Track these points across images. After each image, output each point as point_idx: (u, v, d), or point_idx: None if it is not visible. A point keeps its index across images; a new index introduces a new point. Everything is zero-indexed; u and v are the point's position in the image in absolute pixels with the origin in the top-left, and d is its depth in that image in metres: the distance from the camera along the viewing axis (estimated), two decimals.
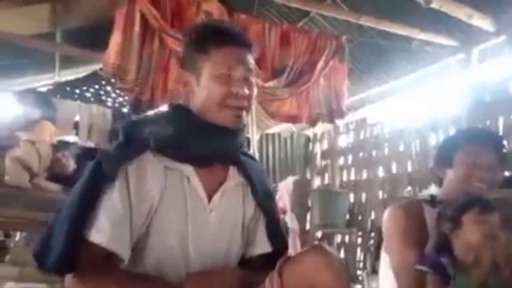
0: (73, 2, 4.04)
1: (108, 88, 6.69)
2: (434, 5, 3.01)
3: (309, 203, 4.23)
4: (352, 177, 4.80)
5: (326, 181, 5.16)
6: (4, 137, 2.91)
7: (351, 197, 4.51)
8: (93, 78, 5.87)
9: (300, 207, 4.15)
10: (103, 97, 6.80)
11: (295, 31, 3.83)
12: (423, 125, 4.00)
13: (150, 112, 3.76)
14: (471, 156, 1.47)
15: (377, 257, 1.65)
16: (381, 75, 4.68)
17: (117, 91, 6.45)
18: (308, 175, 5.39)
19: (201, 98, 1.15)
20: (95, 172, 1.08)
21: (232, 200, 1.22)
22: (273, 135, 5.69)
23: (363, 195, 4.50)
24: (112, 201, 1.05)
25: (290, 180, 4.34)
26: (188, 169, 1.14)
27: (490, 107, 3.32)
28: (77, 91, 6.48)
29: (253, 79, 1.20)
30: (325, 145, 5.37)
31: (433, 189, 1.58)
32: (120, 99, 6.80)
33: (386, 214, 1.52)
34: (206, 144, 1.15)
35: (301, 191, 4.20)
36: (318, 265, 1.01)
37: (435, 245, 1.37)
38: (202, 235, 1.13)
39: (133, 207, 1.06)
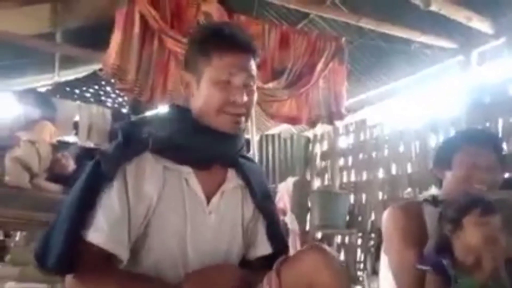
0: (73, 2, 4.04)
1: (108, 88, 6.69)
2: (433, 7, 3.01)
3: (309, 204, 4.23)
4: (352, 178, 4.80)
5: (326, 182, 5.16)
6: (4, 137, 2.92)
7: (351, 198, 4.51)
8: (93, 78, 5.87)
9: (300, 208, 4.15)
10: (103, 98, 6.80)
11: (295, 33, 3.83)
12: (422, 126, 4.01)
13: (150, 113, 3.78)
14: (471, 158, 1.47)
15: (377, 258, 1.65)
16: (381, 77, 4.69)
17: (117, 92, 6.45)
18: (308, 176, 5.39)
19: (200, 102, 1.14)
20: (94, 172, 1.08)
21: (231, 202, 1.21)
22: (273, 136, 5.69)
23: (363, 196, 4.50)
24: (110, 201, 1.05)
25: (290, 181, 4.34)
26: (187, 171, 1.14)
27: (489, 109, 3.33)
28: (77, 91, 6.48)
29: (254, 86, 1.18)
30: (325, 146, 5.37)
31: (433, 191, 1.58)
32: (120, 99, 6.81)
33: (386, 215, 1.52)
34: (205, 146, 1.15)
35: (301, 192, 4.21)
36: (317, 264, 1.01)
37: (436, 246, 1.37)
38: (201, 236, 1.13)
39: (131, 207, 1.06)
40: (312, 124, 3.96)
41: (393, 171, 4.25)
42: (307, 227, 4.20)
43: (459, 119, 3.54)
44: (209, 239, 1.14)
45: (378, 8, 3.74)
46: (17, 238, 3.81)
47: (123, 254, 1.05)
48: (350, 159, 4.90)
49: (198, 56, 1.15)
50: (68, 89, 6.29)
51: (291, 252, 1.27)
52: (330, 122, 3.95)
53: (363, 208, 4.42)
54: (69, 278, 1.04)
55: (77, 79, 5.98)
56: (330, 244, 4.44)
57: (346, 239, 4.58)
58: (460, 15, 3.18)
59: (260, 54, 1.22)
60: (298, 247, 3.77)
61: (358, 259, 4.38)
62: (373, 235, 4.11)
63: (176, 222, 1.11)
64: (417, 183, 3.90)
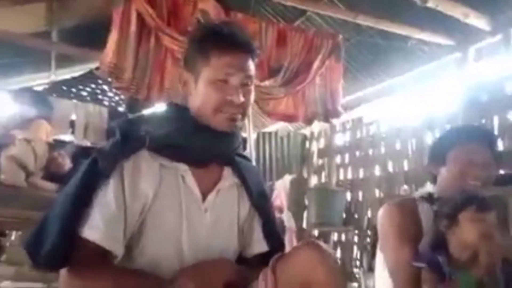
0: (69, 1, 4.03)
1: (105, 87, 6.67)
2: (430, 4, 3.01)
3: (306, 202, 4.24)
4: (349, 175, 4.80)
5: (323, 179, 5.16)
6: (0, 136, 2.90)
7: (348, 195, 4.51)
8: (89, 77, 5.85)
9: (297, 206, 4.16)
10: (100, 96, 6.78)
11: (292, 30, 3.83)
12: (419, 123, 4.01)
13: (147, 111, 3.77)
14: (465, 154, 1.47)
15: (373, 255, 1.65)
16: (378, 74, 4.69)
17: (114, 90, 6.43)
18: (305, 174, 5.39)
19: (197, 100, 1.15)
20: (91, 169, 1.09)
21: (227, 200, 1.22)
22: (270, 134, 5.69)
23: (360, 194, 4.50)
24: (106, 198, 1.06)
25: (287, 178, 4.34)
26: (183, 168, 1.15)
27: (486, 106, 3.33)
28: (73, 90, 6.46)
29: (252, 86, 1.19)
30: (321, 144, 5.37)
31: (428, 187, 1.58)
32: (117, 98, 6.78)
33: (381, 212, 1.52)
34: (201, 144, 1.15)
35: (298, 189, 4.21)
36: (312, 260, 1.02)
37: (431, 243, 1.38)
38: (196, 233, 1.14)
39: (127, 204, 1.07)
40: (309, 121, 3.97)
41: (390, 168, 4.25)
42: (304, 225, 4.20)
43: (456, 116, 3.54)
44: (205, 236, 1.15)
45: (375, 5, 3.74)
46: (12, 238, 3.80)
47: (118, 250, 1.06)
48: (346, 157, 4.90)
49: (196, 56, 1.15)
50: (64, 87, 6.27)
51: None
52: (326, 120, 3.96)
53: (359, 206, 4.43)
54: (63, 273, 1.04)
55: (73, 78, 5.96)
56: (326, 241, 4.44)
57: (343, 237, 4.58)
58: (457, 12, 3.18)
59: (258, 54, 1.22)
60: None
61: (354, 256, 4.38)
62: (369, 232, 4.11)
63: (172, 219, 1.12)
64: (413, 180, 3.90)
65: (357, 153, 4.72)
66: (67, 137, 3.87)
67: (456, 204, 1.33)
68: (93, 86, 6.67)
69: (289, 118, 3.94)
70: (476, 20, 3.28)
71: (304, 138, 5.63)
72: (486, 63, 3.67)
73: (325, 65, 3.81)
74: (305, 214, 4.22)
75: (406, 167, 4.08)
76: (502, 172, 2.48)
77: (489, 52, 3.59)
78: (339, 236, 4.64)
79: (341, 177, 4.89)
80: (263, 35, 3.65)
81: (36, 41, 4.13)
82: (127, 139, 1.12)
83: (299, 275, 1.02)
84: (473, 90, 3.46)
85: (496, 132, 3.11)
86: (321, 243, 1.08)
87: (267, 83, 3.59)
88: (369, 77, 4.79)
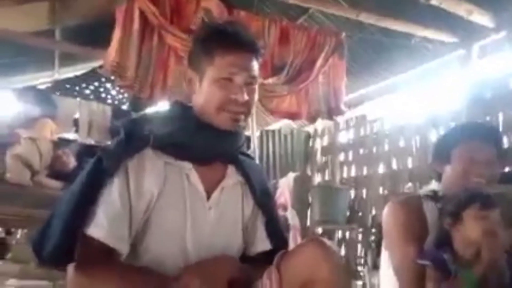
0: (72, 0, 4.04)
1: (108, 85, 6.69)
2: (433, 1, 3.00)
3: (310, 199, 4.24)
4: (353, 173, 4.80)
5: (327, 177, 5.16)
6: (5, 135, 2.91)
7: (352, 193, 4.51)
8: (92, 75, 5.87)
9: (301, 204, 4.15)
10: (103, 94, 6.80)
11: (295, 28, 3.82)
12: (423, 121, 4.00)
13: (151, 110, 3.78)
14: (469, 152, 1.47)
15: (378, 253, 1.65)
16: (381, 72, 4.68)
17: (117, 89, 6.45)
18: (309, 171, 5.39)
19: (201, 99, 1.16)
20: (96, 168, 1.10)
21: (231, 198, 1.23)
22: (273, 131, 5.68)
23: (364, 191, 4.50)
24: (111, 197, 1.07)
25: (290, 176, 4.34)
26: (187, 166, 1.15)
27: (490, 103, 3.32)
28: (77, 88, 6.48)
29: (256, 86, 1.19)
30: (325, 141, 5.37)
31: (433, 185, 1.58)
32: (120, 96, 6.80)
33: (386, 210, 1.52)
34: (206, 143, 1.16)
35: (302, 187, 4.20)
36: (316, 257, 1.02)
37: (436, 240, 1.37)
38: (201, 231, 1.14)
39: (132, 202, 1.08)
40: (312, 119, 3.96)
41: (394, 166, 4.25)
42: (308, 223, 4.20)
43: (460, 113, 3.53)
44: (209, 234, 1.16)
45: (378, 3, 3.72)
46: (18, 236, 3.82)
47: (123, 248, 1.07)
48: (350, 154, 4.90)
49: (201, 55, 1.16)
50: (68, 86, 6.29)
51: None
52: (330, 117, 3.95)
53: (363, 203, 4.42)
54: (70, 271, 1.06)
55: (77, 76, 5.98)
56: (330, 239, 4.44)
57: (347, 235, 4.58)
58: (460, 9, 3.16)
59: (263, 53, 1.23)
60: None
61: (358, 254, 4.38)
62: (373, 230, 4.11)
63: (176, 217, 1.12)
64: (417, 177, 3.90)
65: (361, 150, 4.72)
66: (71, 135, 3.88)
67: (460, 202, 1.33)
68: (96, 84, 6.69)
69: (292, 115, 3.94)
70: (480, 17, 3.26)
71: (308, 135, 5.63)
72: (490, 60, 3.66)
73: (328, 63, 3.80)
74: (309, 212, 4.22)
75: (410, 165, 4.07)
76: (507, 169, 2.48)
77: (493, 49, 3.58)
78: (343, 234, 4.64)
79: (345, 174, 4.89)
80: (266, 33, 3.64)
81: (40, 40, 4.13)
82: (131, 138, 1.13)
83: (303, 272, 1.03)
84: (477, 87, 3.45)
85: (501, 129, 3.10)
86: (326, 240, 1.09)
87: (270, 81, 3.59)
88: (372, 75, 4.78)
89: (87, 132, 3.97)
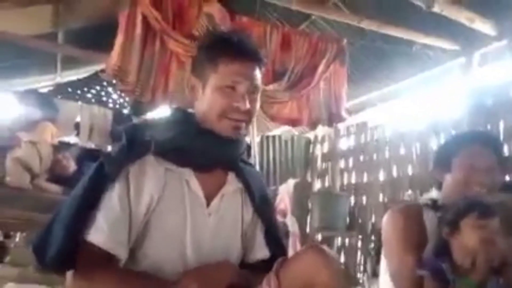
0: (75, 3, 4.04)
1: (110, 89, 6.70)
2: (435, 9, 3.00)
3: (310, 206, 4.23)
4: (353, 180, 4.79)
5: (327, 183, 5.15)
6: (5, 138, 2.92)
7: (352, 200, 4.50)
8: (94, 79, 5.87)
9: (301, 210, 4.14)
10: (104, 98, 6.80)
11: (296, 34, 3.82)
12: (424, 128, 4.00)
13: (153, 116, 3.78)
14: (470, 160, 1.46)
15: (377, 260, 1.65)
16: (382, 79, 4.68)
17: (118, 93, 6.46)
18: (309, 178, 5.38)
19: (204, 106, 1.17)
20: (97, 173, 1.11)
21: (231, 205, 1.23)
22: (274, 137, 5.68)
23: (364, 198, 4.49)
24: (111, 202, 1.08)
25: (290, 182, 4.33)
26: (188, 173, 1.16)
27: (491, 111, 3.32)
28: (79, 92, 6.49)
29: (258, 95, 1.21)
30: (325, 148, 5.36)
31: (433, 193, 1.58)
32: (121, 100, 6.81)
33: (385, 218, 1.52)
34: (206, 150, 1.17)
35: (302, 193, 4.20)
36: (315, 264, 1.03)
37: (434, 249, 1.37)
38: (200, 237, 1.15)
39: (132, 208, 1.09)
40: (313, 125, 3.96)
41: (394, 173, 4.24)
42: (308, 229, 4.19)
43: (461, 121, 3.53)
44: (208, 240, 1.16)
45: (380, 10, 3.74)
46: (17, 239, 3.81)
47: (122, 254, 1.08)
48: (351, 161, 4.89)
49: (205, 62, 1.18)
50: (69, 89, 6.30)
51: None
52: (330, 124, 3.95)
53: (363, 210, 4.41)
54: (70, 276, 1.06)
55: (78, 80, 5.98)
56: (330, 246, 4.43)
57: (347, 241, 4.56)
58: (462, 17, 3.17)
59: (265, 63, 1.25)
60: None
61: (358, 261, 4.36)
62: (373, 237, 4.10)
63: (176, 222, 1.13)
64: (418, 185, 3.89)
65: (361, 157, 4.71)
66: (71, 139, 3.88)
67: (458, 211, 1.33)
68: (98, 88, 6.70)
69: (293, 122, 3.93)
70: (481, 25, 3.27)
71: (308, 142, 5.62)
72: (491, 68, 3.66)
73: (330, 69, 3.80)
74: (308, 219, 4.21)
75: (410, 172, 4.07)
76: (508, 177, 2.47)
77: (494, 57, 3.58)
78: (343, 241, 4.62)
79: (345, 181, 4.88)
80: (268, 38, 3.65)
81: (42, 43, 4.14)
82: (133, 144, 1.14)
83: (302, 279, 1.03)
84: (478, 95, 3.45)
85: (502, 137, 3.10)
86: (325, 247, 1.09)
87: (271, 87, 3.59)
88: (373, 82, 4.78)
89: (88, 135, 3.98)
